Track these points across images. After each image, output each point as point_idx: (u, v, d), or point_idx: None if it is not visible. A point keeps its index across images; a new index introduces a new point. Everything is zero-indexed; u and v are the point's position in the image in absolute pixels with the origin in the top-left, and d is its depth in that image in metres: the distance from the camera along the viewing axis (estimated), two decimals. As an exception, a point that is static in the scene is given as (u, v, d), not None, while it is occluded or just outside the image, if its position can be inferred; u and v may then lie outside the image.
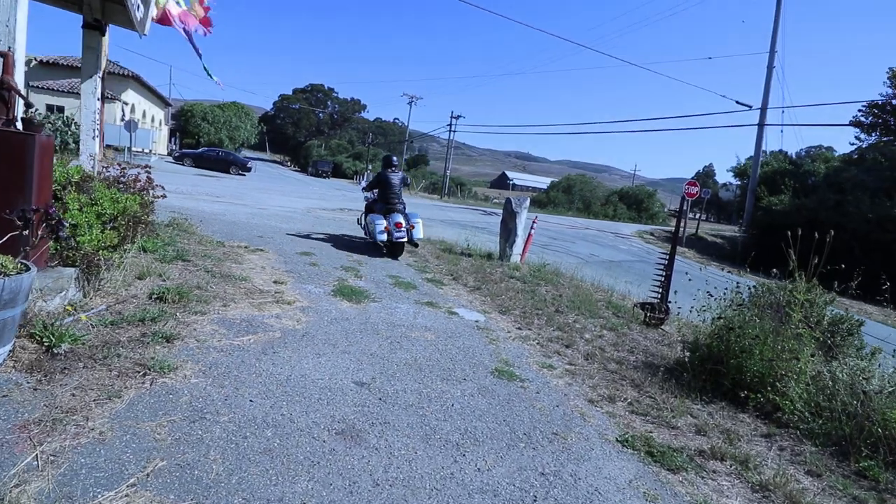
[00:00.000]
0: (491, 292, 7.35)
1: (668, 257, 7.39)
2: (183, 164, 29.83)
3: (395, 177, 9.29)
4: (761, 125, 25.10)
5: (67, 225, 3.28)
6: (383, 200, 9.19)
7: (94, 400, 2.72)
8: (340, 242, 9.71)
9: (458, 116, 48.38)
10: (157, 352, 3.44)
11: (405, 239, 8.81)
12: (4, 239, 3.02)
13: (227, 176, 27.44)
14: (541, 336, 5.65)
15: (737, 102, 24.07)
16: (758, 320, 4.70)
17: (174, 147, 41.35)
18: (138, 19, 5.44)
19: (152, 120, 36.97)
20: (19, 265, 2.86)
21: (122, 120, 25.24)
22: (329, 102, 78.81)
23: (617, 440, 3.46)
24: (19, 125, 3.44)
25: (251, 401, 3.09)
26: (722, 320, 4.85)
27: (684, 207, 9.45)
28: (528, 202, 10.67)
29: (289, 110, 76.27)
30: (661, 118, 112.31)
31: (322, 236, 10.12)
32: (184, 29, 6.80)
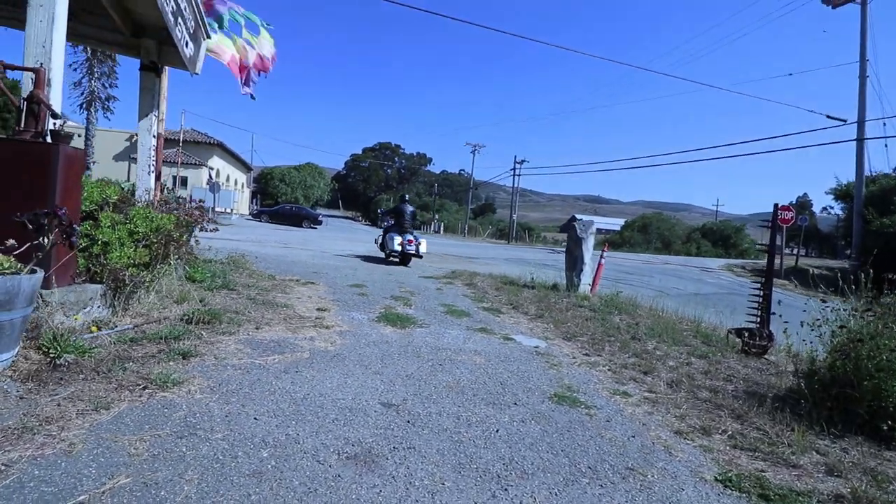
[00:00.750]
0: (555, 319, 6.62)
1: (764, 275, 6.35)
2: (260, 221, 31.77)
3: (408, 209, 12.50)
4: (860, 140, 22.59)
5: (79, 229, 3.16)
6: (398, 225, 12.36)
7: (79, 411, 2.41)
8: (395, 276, 9.42)
9: (522, 161, 48.42)
10: (168, 367, 3.13)
11: (413, 251, 11.94)
12: (23, 248, 2.91)
13: (299, 229, 28.71)
14: (613, 362, 4.85)
15: (828, 117, 21.93)
16: (895, 328, 3.68)
17: (255, 207, 44.47)
18: (188, 56, 5.63)
19: (235, 183, 40.16)
20: (20, 267, 2.69)
21: (208, 183, 27.48)
22: (396, 158, 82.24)
23: (716, 479, 2.64)
24: (49, 139, 3.43)
25: (255, 419, 2.65)
26: (845, 330, 3.85)
27: (776, 239, 8.11)
28: (594, 227, 9.91)
29: (359, 168, 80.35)
30: (744, 142, 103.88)
31: (378, 272, 9.91)
32: (240, 77, 7.19)
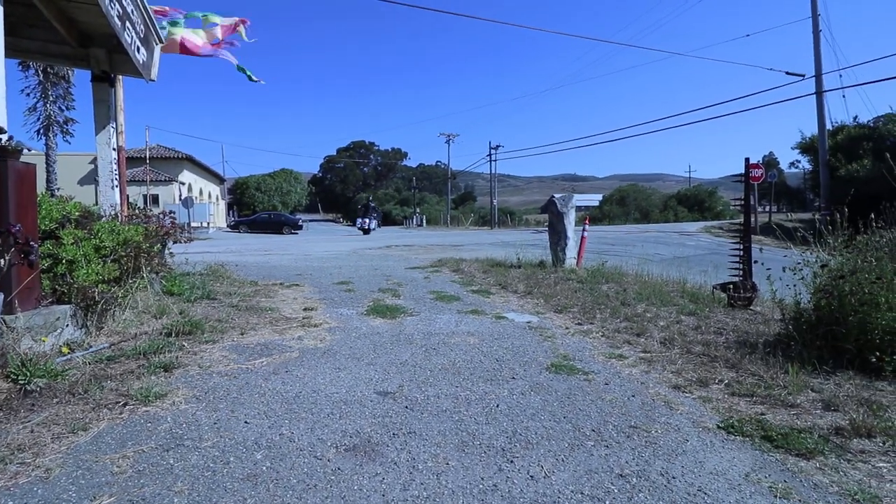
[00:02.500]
0: (544, 294, 6.59)
1: (742, 230, 6.39)
2: (239, 232, 31.23)
3: (370, 205, 34.36)
4: (819, 93, 22.98)
5: (38, 247, 2.99)
6: (364, 214, 32.33)
7: (54, 435, 2.28)
8: (381, 270, 9.31)
9: (498, 146, 48.31)
10: (149, 381, 3.00)
11: (367, 227, 31.06)
12: (-20, 274, 2.74)
13: (280, 235, 28.34)
14: (605, 328, 4.84)
15: (787, 73, 22.24)
16: (874, 262, 3.71)
17: (232, 218, 43.71)
18: (141, 62, 5.41)
19: (209, 196, 39.35)
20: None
21: (181, 199, 26.85)
22: (371, 156, 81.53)
23: (719, 427, 2.62)
24: (-4, 156, 3.24)
25: (246, 422, 2.55)
26: (826, 269, 3.88)
27: (750, 198, 8.07)
28: (574, 199, 9.91)
29: (335, 169, 79.49)
30: (711, 105, 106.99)
31: (364, 268, 9.78)
32: (213, 50, 7.03)
